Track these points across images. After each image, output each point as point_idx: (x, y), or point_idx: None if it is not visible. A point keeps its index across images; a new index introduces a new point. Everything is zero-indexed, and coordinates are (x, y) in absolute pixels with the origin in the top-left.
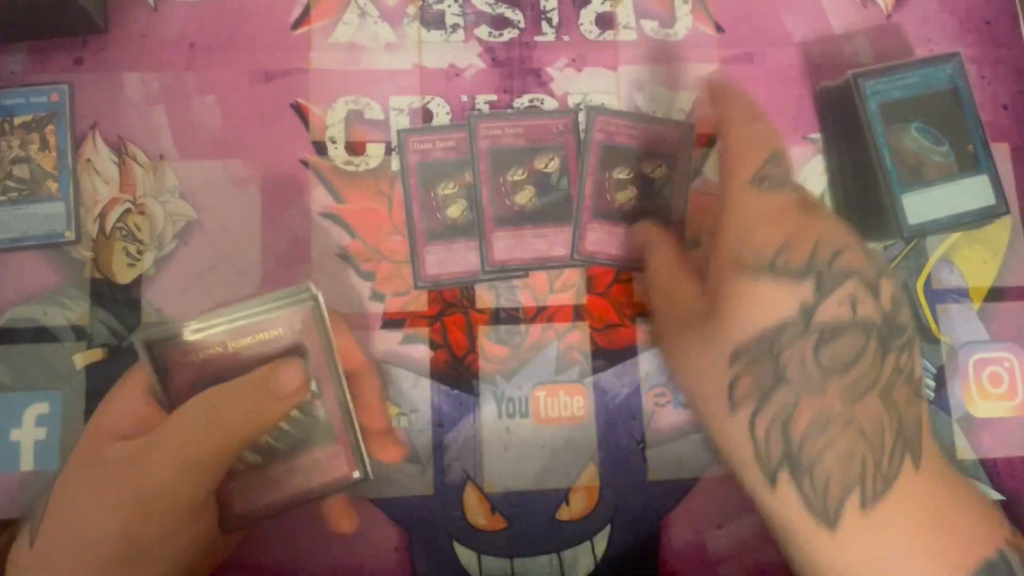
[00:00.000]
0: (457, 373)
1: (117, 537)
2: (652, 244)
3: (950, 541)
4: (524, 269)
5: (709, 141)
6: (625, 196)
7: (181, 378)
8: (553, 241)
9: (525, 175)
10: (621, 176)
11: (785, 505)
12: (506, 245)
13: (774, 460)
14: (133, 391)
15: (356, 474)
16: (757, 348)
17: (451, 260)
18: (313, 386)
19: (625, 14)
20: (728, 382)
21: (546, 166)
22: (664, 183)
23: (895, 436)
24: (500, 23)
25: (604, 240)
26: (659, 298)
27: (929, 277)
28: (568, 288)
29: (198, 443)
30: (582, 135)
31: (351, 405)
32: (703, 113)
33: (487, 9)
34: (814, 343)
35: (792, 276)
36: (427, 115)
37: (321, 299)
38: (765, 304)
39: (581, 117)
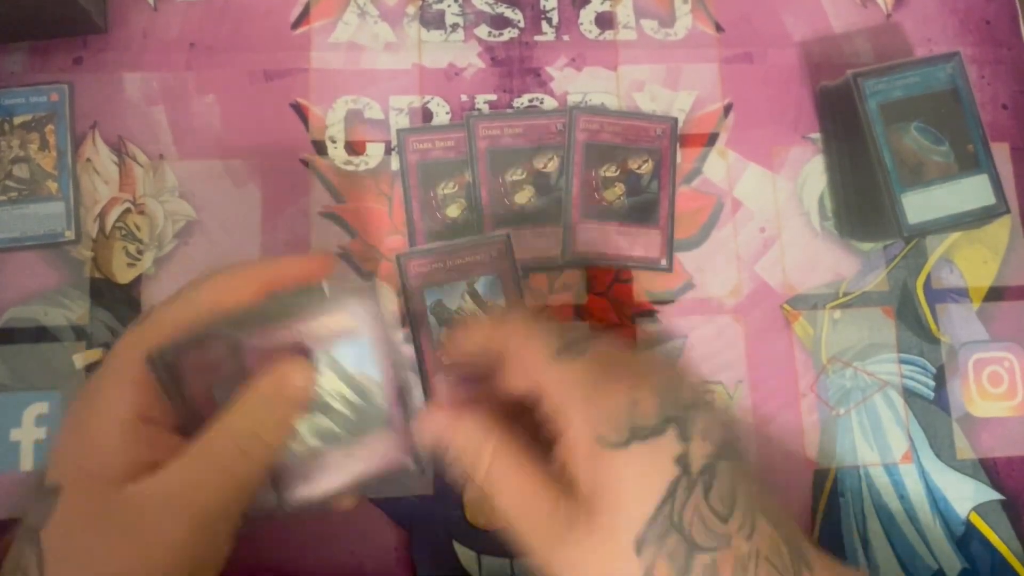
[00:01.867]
0: None
1: None
2: (467, 436)
3: None
4: (524, 270)
5: (708, 140)
6: (613, 194)
7: (196, 383)
8: (554, 241)
9: (524, 175)
10: (608, 174)
11: None
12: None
13: None
14: (116, 422)
15: (410, 463)
16: (659, 525)
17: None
18: (376, 374)
19: (625, 14)
20: (640, 572)
21: (545, 166)
22: (651, 178)
23: (788, 551)
24: (500, 23)
25: (595, 240)
26: (514, 509)
27: (929, 277)
28: (568, 288)
29: (236, 462)
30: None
31: (410, 396)
32: (704, 112)
33: (487, 9)
34: (702, 493)
35: (655, 433)
36: (427, 115)
37: (385, 290)
38: (646, 474)
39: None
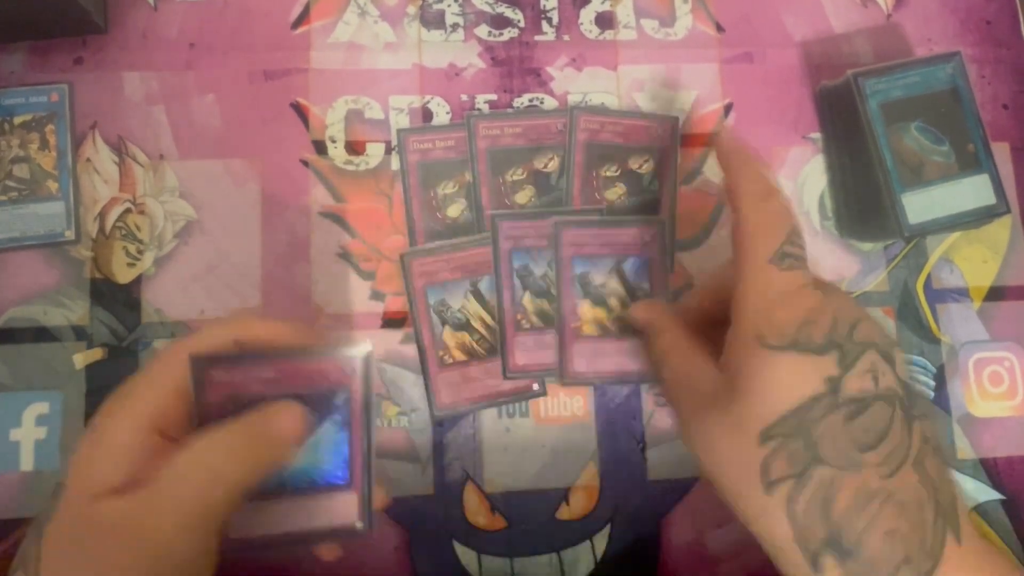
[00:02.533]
0: None
1: None
2: (656, 324)
3: None
4: None
5: (708, 141)
6: (614, 193)
7: (212, 396)
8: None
9: (524, 175)
10: (609, 174)
11: None
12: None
13: (816, 543)
14: (130, 429)
15: (359, 524)
16: (788, 425)
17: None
18: (340, 432)
19: (625, 14)
20: (760, 462)
21: (545, 166)
22: (652, 178)
23: (934, 510)
24: (500, 23)
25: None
26: (673, 381)
27: (929, 276)
28: None
29: (196, 498)
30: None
31: (372, 459)
32: (704, 112)
33: (487, 9)
34: (844, 417)
35: (815, 351)
36: (427, 115)
37: (372, 358)
38: (792, 380)
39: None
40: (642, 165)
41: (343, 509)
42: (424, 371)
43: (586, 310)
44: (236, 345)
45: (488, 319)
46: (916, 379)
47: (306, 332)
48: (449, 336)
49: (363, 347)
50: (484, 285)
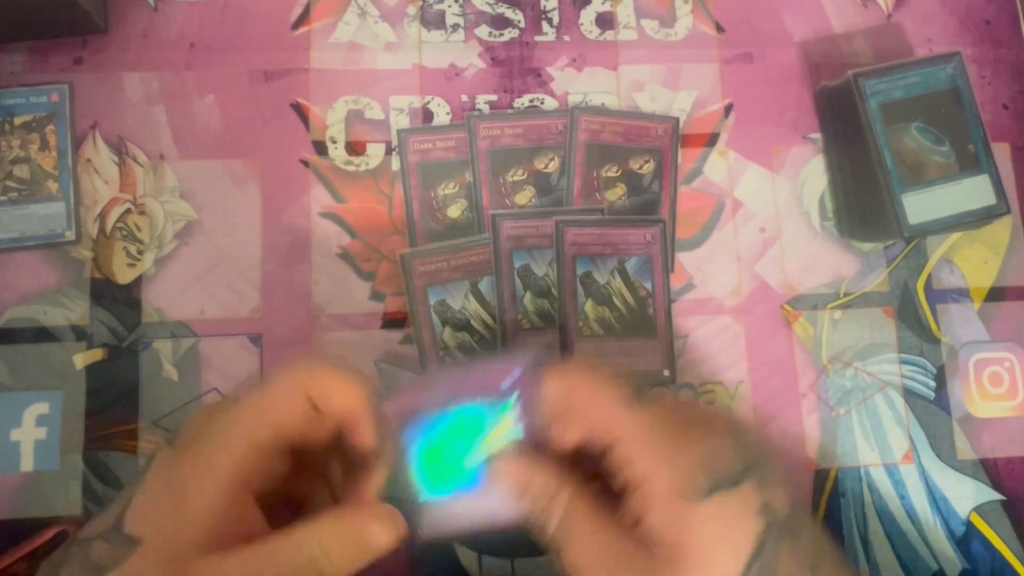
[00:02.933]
0: None
1: None
2: (545, 503)
3: None
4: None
5: (709, 140)
6: (614, 194)
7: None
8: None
9: (525, 175)
10: (609, 174)
11: None
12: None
13: None
14: (218, 487)
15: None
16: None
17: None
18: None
19: (625, 14)
20: None
21: (546, 166)
22: (652, 178)
23: None
24: (500, 23)
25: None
26: (587, 570)
27: (929, 277)
28: None
29: None
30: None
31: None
32: (704, 112)
33: (487, 9)
34: (790, 544)
35: (736, 483)
36: (427, 115)
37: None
38: (733, 525)
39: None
40: (643, 165)
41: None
42: (424, 371)
43: (589, 309)
44: (310, 403)
45: (488, 319)
46: (915, 380)
47: (370, 390)
48: (449, 336)
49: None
50: (484, 285)
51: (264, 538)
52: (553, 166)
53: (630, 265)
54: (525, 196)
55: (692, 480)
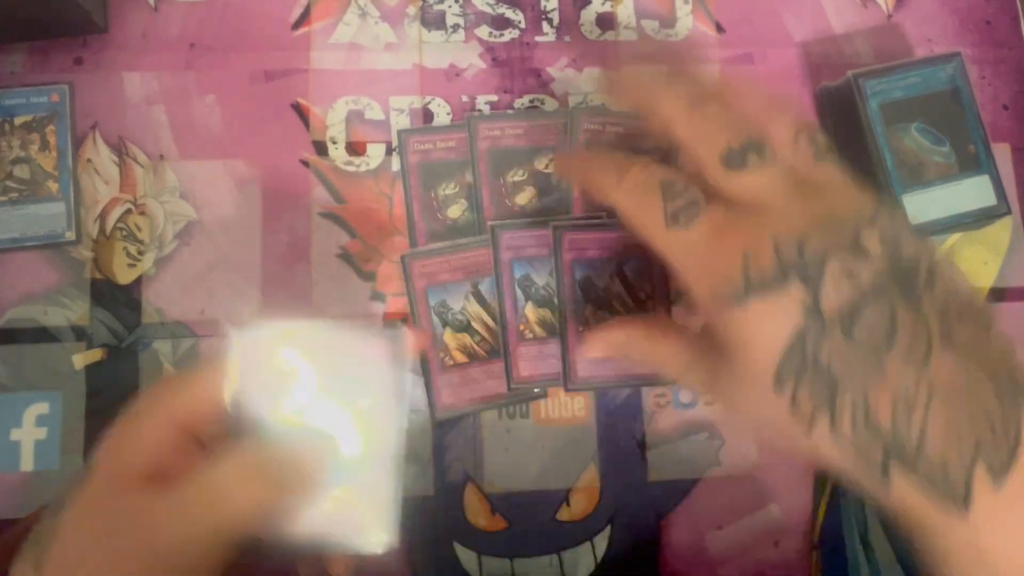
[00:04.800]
0: None
1: None
2: (622, 345)
3: None
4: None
5: None
6: None
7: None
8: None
9: (525, 176)
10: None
11: (907, 497)
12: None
13: (878, 456)
14: (161, 425)
15: (377, 542)
16: (792, 366)
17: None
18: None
19: (625, 14)
20: (788, 409)
21: (546, 166)
22: None
23: (994, 387)
24: (500, 23)
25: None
26: (681, 377)
27: None
28: None
29: (217, 516)
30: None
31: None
32: None
33: (487, 9)
34: (842, 334)
35: (774, 287)
36: (427, 115)
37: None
38: (770, 326)
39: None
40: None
41: (354, 511)
42: (424, 372)
43: (589, 314)
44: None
45: (489, 321)
46: None
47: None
48: (450, 337)
49: (395, 330)
50: (485, 286)
51: (195, 474)
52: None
53: (629, 268)
54: (525, 197)
55: (726, 286)
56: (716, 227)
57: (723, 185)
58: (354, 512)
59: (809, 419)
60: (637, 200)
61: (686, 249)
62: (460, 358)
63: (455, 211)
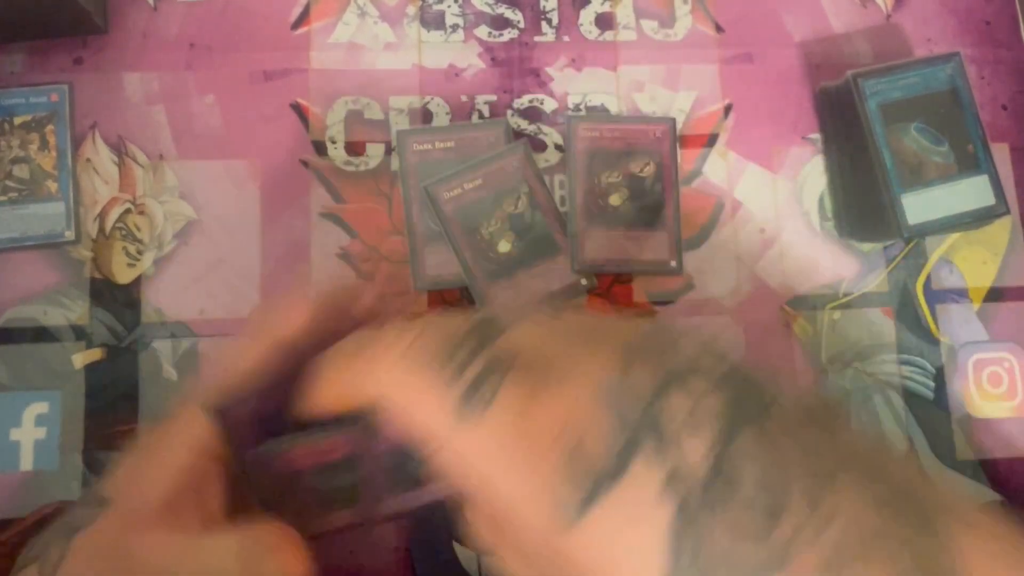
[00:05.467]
0: None
1: None
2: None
3: None
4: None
5: (708, 141)
6: (618, 198)
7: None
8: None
9: (620, 177)
10: (611, 179)
11: None
12: (598, 245)
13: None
14: (179, 452)
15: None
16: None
17: (451, 261)
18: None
19: (625, 14)
20: None
21: (641, 170)
22: (654, 180)
23: (899, 507)
24: (500, 23)
25: (604, 247)
26: None
27: (929, 277)
28: None
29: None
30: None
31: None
32: (704, 112)
33: (487, 9)
34: (724, 499)
35: (620, 469)
36: (426, 115)
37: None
38: (633, 525)
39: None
40: (643, 168)
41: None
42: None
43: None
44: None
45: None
46: (915, 380)
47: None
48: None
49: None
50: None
51: (207, 528)
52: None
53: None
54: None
55: (563, 497)
56: (518, 409)
57: (463, 446)
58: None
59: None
60: (410, 392)
61: (490, 453)
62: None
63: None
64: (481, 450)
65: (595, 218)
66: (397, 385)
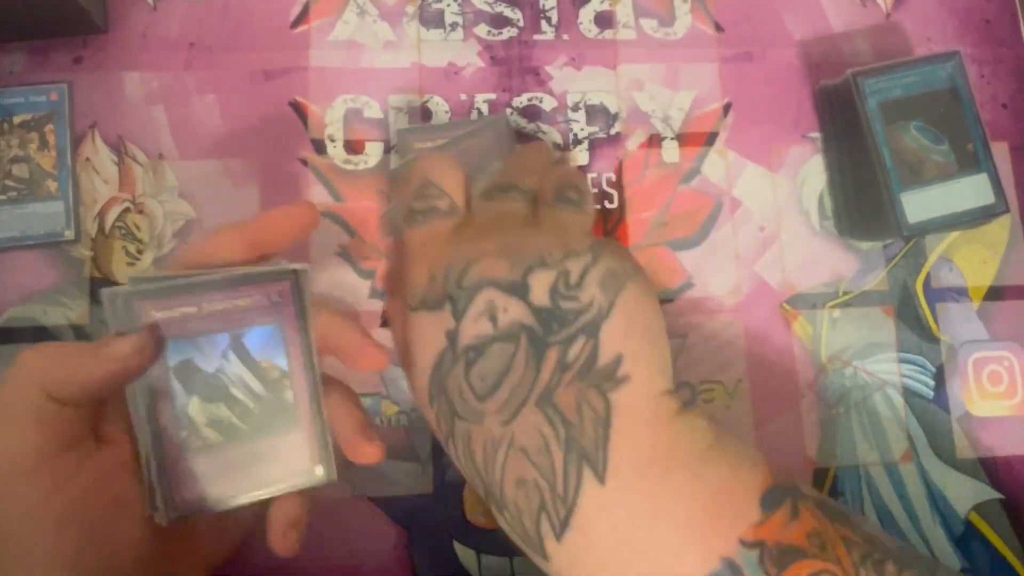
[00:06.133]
0: None
1: None
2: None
3: (652, 565)
4: None
5: (707, 140)
6: None
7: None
8: None
9: None
10: None
11: (510, 535)
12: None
13: (481, 492)
14: (40, 393)
15: (319, 470)
16: (434, 386)
17: None
18: (283, 364)
19: (624, 13)
20: (433, 421)
21: None
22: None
23: (564, 449)
24: (499, 22)
25: None
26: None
27: (928, 276)
28: None
29: (33, 395)
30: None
31: (321, 395)
32: (703, 111)
33: (486, 8)
34: (464, 368)
35: (434, 307)
36: (426, 114)
37: (305, 277)
38: (425, 341)
39: None
40: None
41: (295, 454)
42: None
43: (195, 412)
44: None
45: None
46: (914, 379)
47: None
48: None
49: (284, 269)
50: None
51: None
52: None
53: (251, 340)
54: None
55: (412, 291)
56: (423, 241)
57: (473, 209)
58: (296, 454)
59: (444, 437)
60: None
61: (399, 250)
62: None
63: None
64: (408, 245)
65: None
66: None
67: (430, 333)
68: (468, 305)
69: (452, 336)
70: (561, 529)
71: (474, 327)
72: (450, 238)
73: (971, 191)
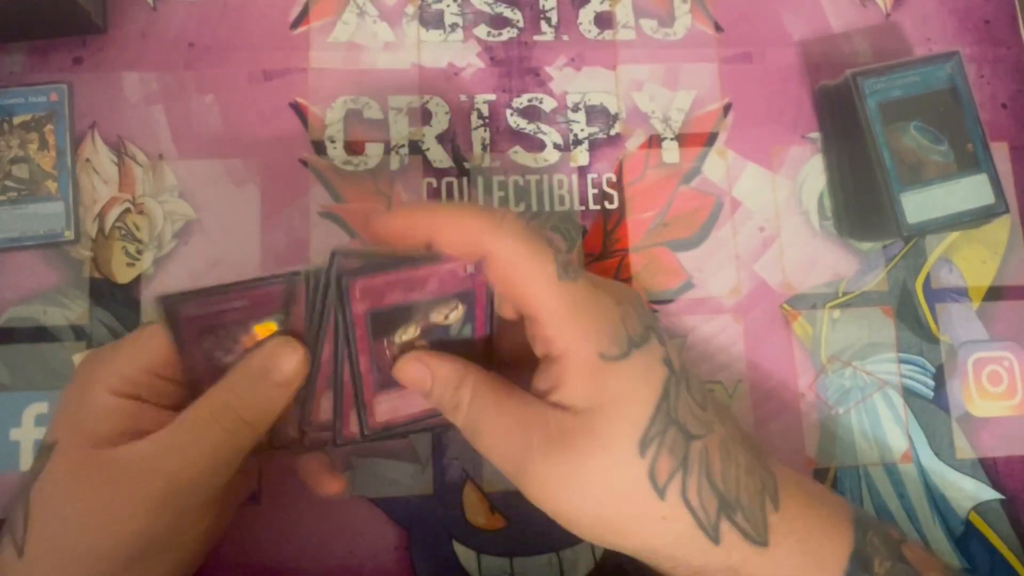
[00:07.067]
0: None
1: (135, 539)
2: (444, 375)
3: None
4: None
5: (707, 140)
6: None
7: (188, 334)
8: None
9: (418, 332)
10: (406, 337)
11: (729, 551)
12: (390, 407)
13: (713, 516)
14: (106, 390)
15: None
16: (659, 422)
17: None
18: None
19: (624, 13)
20: (647, 473)
21: (447, 317)
22: (464, 322)
23: (745, 435)
24: (499, 22)
25: (397, 405)
26: (501, 446)
27: (928, 276)
28: None
29: (216, 446)
30: (329, 306)
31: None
32: (703, 111)
33: (486, 8)
34: (687, 387)
35: (644, 340)
36: (425, 114)
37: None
38: (645, 376)
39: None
40: (449, 314)
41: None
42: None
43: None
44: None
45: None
46: (914, 379)
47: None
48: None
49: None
50: None
51: (175, 417)
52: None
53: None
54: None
55: (612, 343)
56: (592, 286)
57: (557, 296)
58: None
59: (663, 483)
60: (527, 248)
61: (575, 305)
62: None
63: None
64: (569, 303)
65: (383, 384)
66: (515, 243)
67: (648, 367)
68: (661, 329)
69: (668, 361)
70: (775, 498)
71: (672, 347)
72: (603, 287)
73: (971, 191)
